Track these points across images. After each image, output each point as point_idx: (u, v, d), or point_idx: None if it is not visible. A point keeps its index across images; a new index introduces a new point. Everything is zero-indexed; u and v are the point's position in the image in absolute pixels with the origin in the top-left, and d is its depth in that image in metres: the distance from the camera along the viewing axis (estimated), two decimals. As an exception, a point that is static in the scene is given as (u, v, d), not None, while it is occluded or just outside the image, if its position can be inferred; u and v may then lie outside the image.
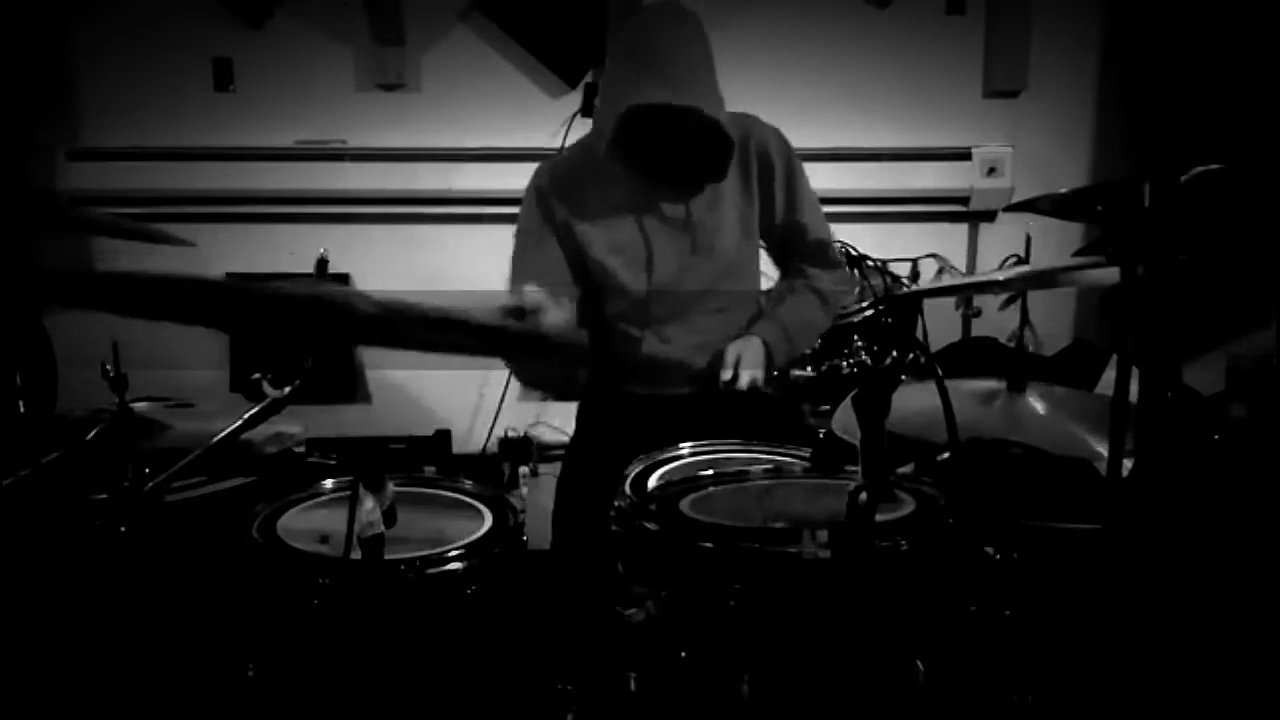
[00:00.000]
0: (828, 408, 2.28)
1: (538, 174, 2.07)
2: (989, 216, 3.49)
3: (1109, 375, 1.78)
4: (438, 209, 3.38)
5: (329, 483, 1.66)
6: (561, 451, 2.87)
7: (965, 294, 2.88)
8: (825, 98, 3.39)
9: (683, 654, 1.29)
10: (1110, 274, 1.40)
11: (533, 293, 1.65)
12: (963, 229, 3.51)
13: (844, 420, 1.57)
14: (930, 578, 1.33)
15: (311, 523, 1.53)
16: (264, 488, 1.73)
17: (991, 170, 3.38)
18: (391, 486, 1.23)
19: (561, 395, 2.67)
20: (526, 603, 1.50)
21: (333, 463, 2.16)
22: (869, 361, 2.44)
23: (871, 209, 3.35)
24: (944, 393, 1.28)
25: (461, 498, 1.64)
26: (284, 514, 1.55)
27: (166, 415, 1.74)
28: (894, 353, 2.49)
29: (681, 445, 1.74)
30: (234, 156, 3.29)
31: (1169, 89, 3.23)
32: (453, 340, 1.23)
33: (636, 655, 1.34)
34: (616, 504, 1.45)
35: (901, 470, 1.64)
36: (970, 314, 3.04)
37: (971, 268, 3.50)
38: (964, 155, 3.38)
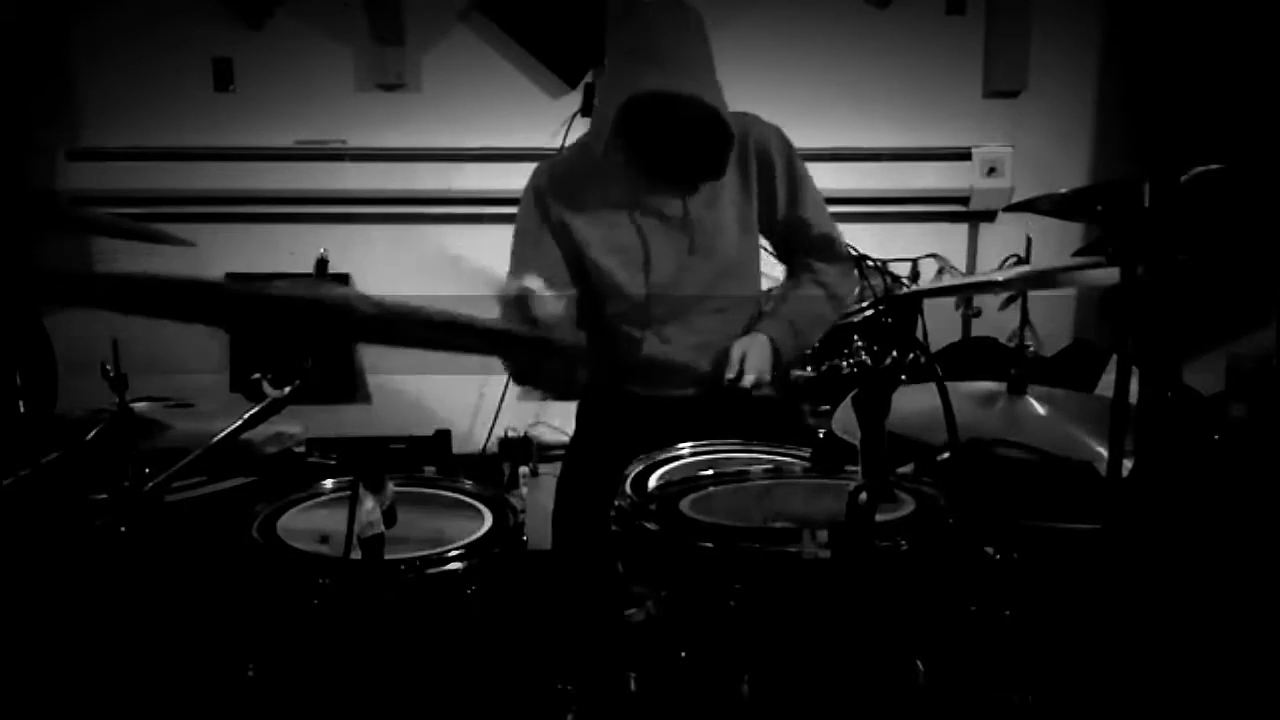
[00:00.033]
0: (828, 408, 2.28)
1: (536, 173, 2.07)
2: (989, 216, 3.49)
3: (1109, 376, 1.78)
4: (438, 209, 3.37)
5: (329, 483, 1.65)
6: (561, 451, 2.87)
7: (965, 294, 2.89)
8: (825, 98, 3.39)
9: (683, 654, 1.29)
10: (1110, 274, 1.40)
11: (531, 280, 1.65)
12: (963, 229, 3.51)
13: (844, 420, 1.57)
14: (930, 578, 1.32)
15: (311, 523, 1.52)
16: (264, 488, 1.73)
17: (991, 170, 3.38)
18: (391, 486, 1.23)
19: (560, 394, 2.67)
20: (526, 603, 1.49)
21: (333, 463, 2.16)
22: (869, 361, 2.44)
23: (871, 209, 3.34)
24: (944, 393, 1.28)
25: (461, 498, 1.64)
26: (284, 514, 1.55)
27: (166, 415, 1.74)
28: (894, 353, 2.49)
29: (681, 445, 1.73)
30: (234, 156, 3.29)
31: (1169, 89, 3.23)
32: (452, 339, 1.23)
33: (636, 655, 1.34)
34: (616, 504, 1.45)
35: (901, 470, 1.63)
36: (970, 314, 3.04)
37: (971, 268, 3.50)
38: (964, 155, 3.37)
